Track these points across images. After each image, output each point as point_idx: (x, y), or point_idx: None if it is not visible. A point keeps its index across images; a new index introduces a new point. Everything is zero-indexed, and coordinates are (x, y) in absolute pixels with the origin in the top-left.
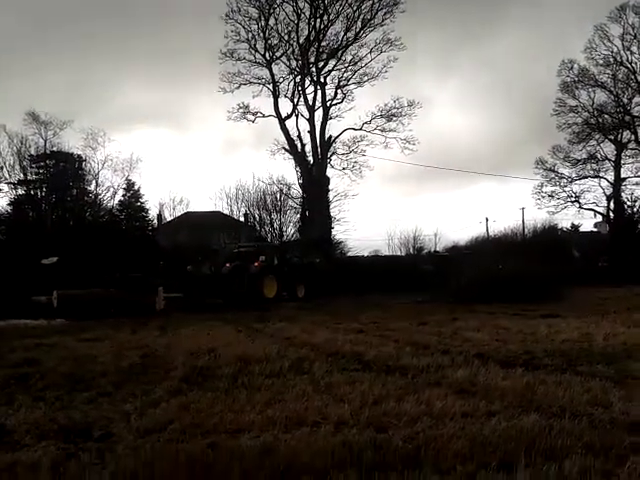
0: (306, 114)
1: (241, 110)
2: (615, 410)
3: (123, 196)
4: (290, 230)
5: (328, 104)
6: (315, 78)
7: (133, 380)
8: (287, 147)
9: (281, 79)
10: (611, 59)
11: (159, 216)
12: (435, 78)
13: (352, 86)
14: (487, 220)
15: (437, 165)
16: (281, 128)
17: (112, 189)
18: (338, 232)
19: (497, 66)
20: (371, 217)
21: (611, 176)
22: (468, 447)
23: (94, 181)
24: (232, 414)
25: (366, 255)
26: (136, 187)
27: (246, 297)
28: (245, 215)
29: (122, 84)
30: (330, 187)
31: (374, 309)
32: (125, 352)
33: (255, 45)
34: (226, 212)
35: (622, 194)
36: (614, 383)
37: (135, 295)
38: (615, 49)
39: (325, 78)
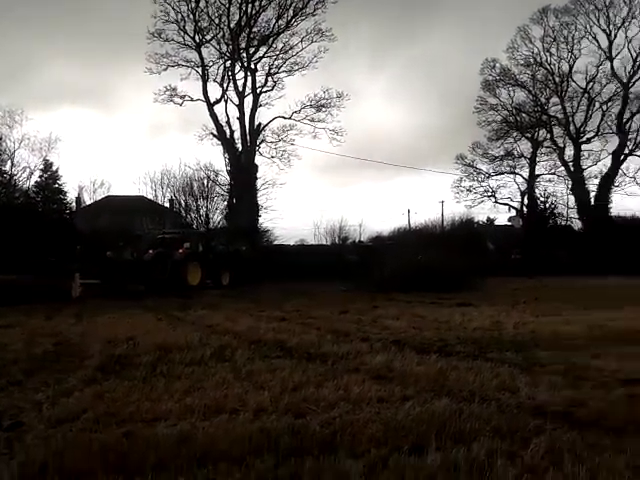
0: (235, 100)
1: (168, 93)
2: (522, 395)
3: (40, 177)
4: (217, 217)
5: (258, 91)
6: (245, 64)
7: (46, 368)
8: (215, 133)
9: (210, 63)
10: (531, 60)
11: (78, 199)
12: (366, 71)
13: (282, 74)
14: (409, 212)
15: (364, 157)
16: (209, 113)
17: (28, 169)
18: (265, 220)
19: (428, 61)
20: (298, 206)
21: (526, 173)
22: (382, 431)
23: (9, 161)
24: (149, 403)
25: (292, 244)
26: (54, 168)
27: (169, 284)
28: (170, 201)
29: (46, 62)
30: (258, 175)
31: (298, 297)
32: (38, 339)
33: (184, 27)
34: (150, 197)
35: (535, 190)
36: (522, 370)
37: (50, 281)
38: (535, 50)
39: (256, 64)
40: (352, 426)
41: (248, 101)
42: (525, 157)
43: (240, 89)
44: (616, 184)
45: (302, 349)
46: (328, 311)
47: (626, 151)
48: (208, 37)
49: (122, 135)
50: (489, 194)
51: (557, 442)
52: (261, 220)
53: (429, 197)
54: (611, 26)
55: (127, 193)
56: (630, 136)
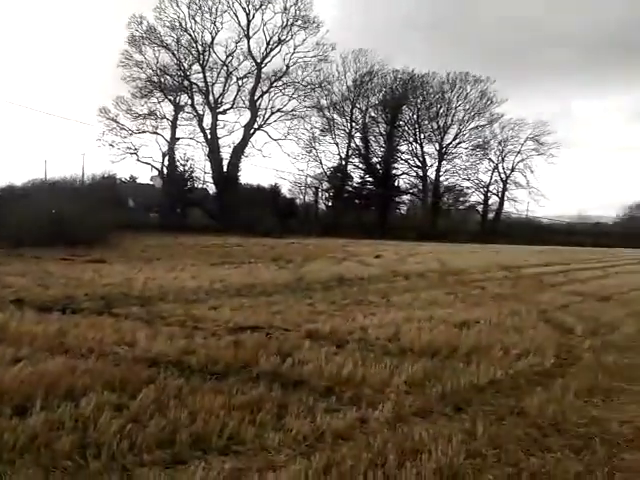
0: None
1: None
2: (139, 347)
3: None
4: None
5: None
6: None
7: None
8: None
9: None
10: (177, 23)
11: None
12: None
13: None
14: (46, 162)
15: None
16: None
17: None
18: None
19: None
20: None
21: (168, 134)
22: None
23: None
24: None
25: None
26: None
27: None
28: None
29: None
30: None
31: None
32: None
33: None
34: None
35: (176, 152)
36: (144, 323)
37: None
38: (182, 14)
39: None
40: None
41: None
42: (167, 119)
43: None
44: (246, 154)
45: None
46: None
47: (255, 126)
48: None
49: None
50: (132, 151)
51: (165, 390)
52: None
53: (72, 148)
54: (250, 6)
55: None
56: (260, 112)
